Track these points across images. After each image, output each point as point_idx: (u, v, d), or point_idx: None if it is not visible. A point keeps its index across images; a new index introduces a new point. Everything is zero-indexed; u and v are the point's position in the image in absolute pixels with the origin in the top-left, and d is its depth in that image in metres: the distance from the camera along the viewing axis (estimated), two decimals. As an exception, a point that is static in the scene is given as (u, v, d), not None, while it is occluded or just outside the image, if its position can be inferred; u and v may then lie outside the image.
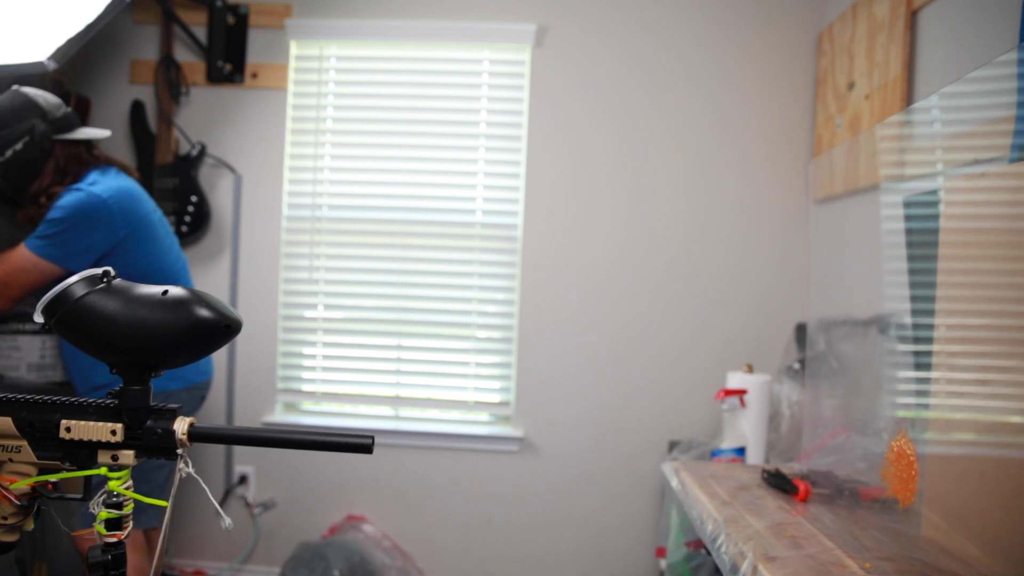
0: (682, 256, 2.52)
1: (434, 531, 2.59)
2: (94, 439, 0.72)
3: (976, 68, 0.92)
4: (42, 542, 2.11)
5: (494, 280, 2.60)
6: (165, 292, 0.71)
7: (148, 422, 0.72)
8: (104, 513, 0.73)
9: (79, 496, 0.76)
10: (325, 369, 2.67)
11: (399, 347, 2.63)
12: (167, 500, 0.74)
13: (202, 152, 2.58)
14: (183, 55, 2.64)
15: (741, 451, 1.91)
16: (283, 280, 2.65)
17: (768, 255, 2.50)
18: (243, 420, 2.63)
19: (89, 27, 1.97)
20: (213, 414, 2.62)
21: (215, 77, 2.60)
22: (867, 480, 1.22)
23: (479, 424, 2.64)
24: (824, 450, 1.35)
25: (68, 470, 0.74)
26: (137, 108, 2.61)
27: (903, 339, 1.12)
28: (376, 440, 0.76)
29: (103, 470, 0.74)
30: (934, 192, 1.06)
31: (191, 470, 0.73)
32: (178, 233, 2.56)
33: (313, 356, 2.67)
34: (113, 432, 0.72)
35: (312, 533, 2.57)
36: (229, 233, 2.64)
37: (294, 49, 2.64)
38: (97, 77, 2.67)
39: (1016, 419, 0.85)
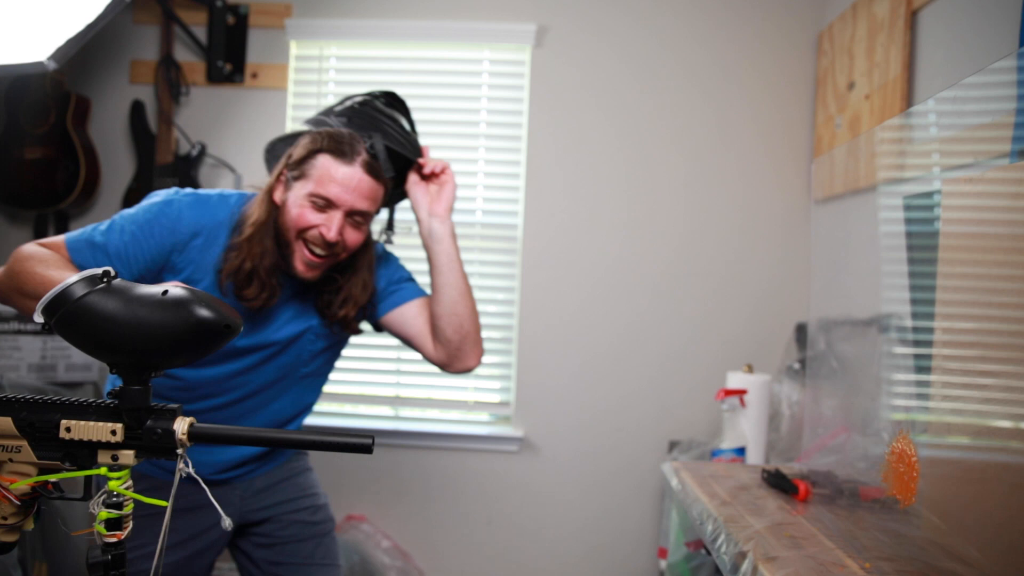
0: (682, 256, 2.52)
1: (434, 531, 2.59)
2: (94, 439, 0.72)
3: (977, 71, 0.92)
4: (42, 542, 2.11)
5: (494, 280, 2.60)
6: (165, 292, 0.71)
7: (148, 422, 0.72)
8: (104, 513, 0.73)
9: (79, 496, 0.76)
10: (325, 369, 2.66)
11: (399, 347, 2.62)
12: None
13: (202, 152, 2.58)
14: (183, 55, 2.64)
15: (741, 451, 1.91)
16: (283, 280, 2.65)
17: (768, 255, 2.50)
18: (243, 420, 2.63)
19: (89, 27, 1.97)
20: (213, 414, 2.62)
21: (215, 77, 2.60)
22: (867, 480, 1.22)
23: (479, 424, 2.64)
24: (824, 450, 1.35)
25: (68, 470, 0.74)
26: (137, 108, 2.61)
27: (903, 341, 1.12)
28: (376, 440, 0.76)
29: (103, 470, 0.74)
30: (933, 194, 1.06)
31: (191, 470, 0.73)
32: (178, 233, 2.56)
33: (313, 356, 2.66)
34: (113, 432, 0.72)
35: (312, 533, 2.57)
36: (229, 233, 2.64)
37: (294, 49, 2.64)
38: (97, 77, 2.67)
39: (1016, 422, 0.85)
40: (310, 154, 1.35)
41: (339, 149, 1.33)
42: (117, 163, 2.65)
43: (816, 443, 1.40)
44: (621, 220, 2.54)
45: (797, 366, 2.10)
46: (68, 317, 0.70)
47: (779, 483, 1.34)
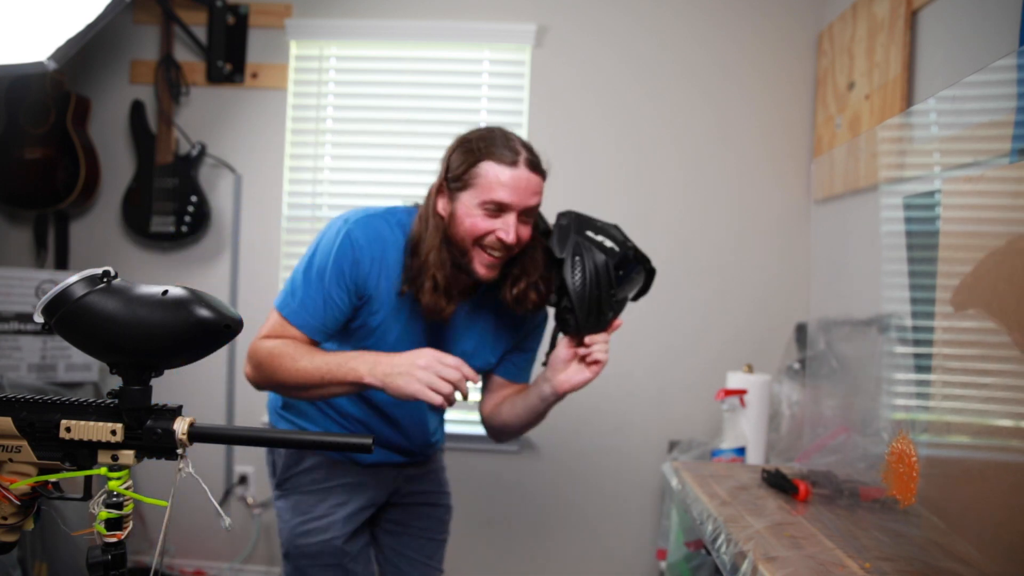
0: (682, 256, 2.52)
1: (434, 531, 2.59)
2: (94, 439, 0.72)
3: (977, 70, 0.92)
4: (42, 542, 2.11)
5: (494, 280, 2.60)
6: (165, 292, 0.71)
7: (148, 422, 0.72)
8: (104, 513, 0.72)
9: (79, 496, 0.76)
10: (325, 369, 2.66)
11: (399, 347, 2.62)
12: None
13: (202, 152, 2.58)
14: (183, 55, 2.64)
15: (741, 451, 1.91)
16: (283, 280, 2.64)
17: (768, 255, 2.50)
18: (243, 420, 2.63)
19: (89, 27, 1.97)
20: (213, 414, 2.62)
21: (215, 77, 2.60)
22: (867, 480, 1.22)
23: (479, 424, 2.63)
24: (824, 450, 1.35)
25: (68, 470, 0.74)
26: (137, 108, 2.61)
27: (903, 341, 1.12)
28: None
29: (103, 470, 0.74)
30: (933, 193, 1.06)
31: (191, 470, 0.73)
32: (178, 233, 2.56)
33: (313, 356, 2.66)
34: (113, 432, 0.72)
35: (312, 533, 2.57)
36: (229, 233, 2.64)
37: (294, 49, 2.63)
38: (97, 77, 2.67)
39: (1017, 421, 0.85)
40: (472, 164, 1.36)
41: (499, 153, 1.34)
42: (117, 163, 2.65)
43: (816, 443, 1.40)
44: (621, 220, 2.53)
45: (797, 366, 2.10)
46: (68, 317, 0.70)
47: (779, 483, 1.34)
